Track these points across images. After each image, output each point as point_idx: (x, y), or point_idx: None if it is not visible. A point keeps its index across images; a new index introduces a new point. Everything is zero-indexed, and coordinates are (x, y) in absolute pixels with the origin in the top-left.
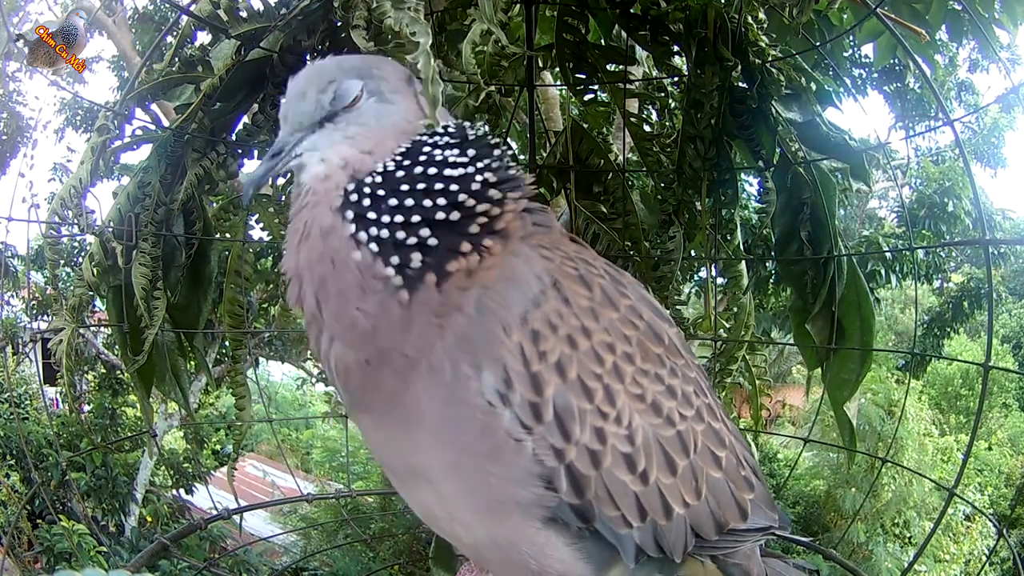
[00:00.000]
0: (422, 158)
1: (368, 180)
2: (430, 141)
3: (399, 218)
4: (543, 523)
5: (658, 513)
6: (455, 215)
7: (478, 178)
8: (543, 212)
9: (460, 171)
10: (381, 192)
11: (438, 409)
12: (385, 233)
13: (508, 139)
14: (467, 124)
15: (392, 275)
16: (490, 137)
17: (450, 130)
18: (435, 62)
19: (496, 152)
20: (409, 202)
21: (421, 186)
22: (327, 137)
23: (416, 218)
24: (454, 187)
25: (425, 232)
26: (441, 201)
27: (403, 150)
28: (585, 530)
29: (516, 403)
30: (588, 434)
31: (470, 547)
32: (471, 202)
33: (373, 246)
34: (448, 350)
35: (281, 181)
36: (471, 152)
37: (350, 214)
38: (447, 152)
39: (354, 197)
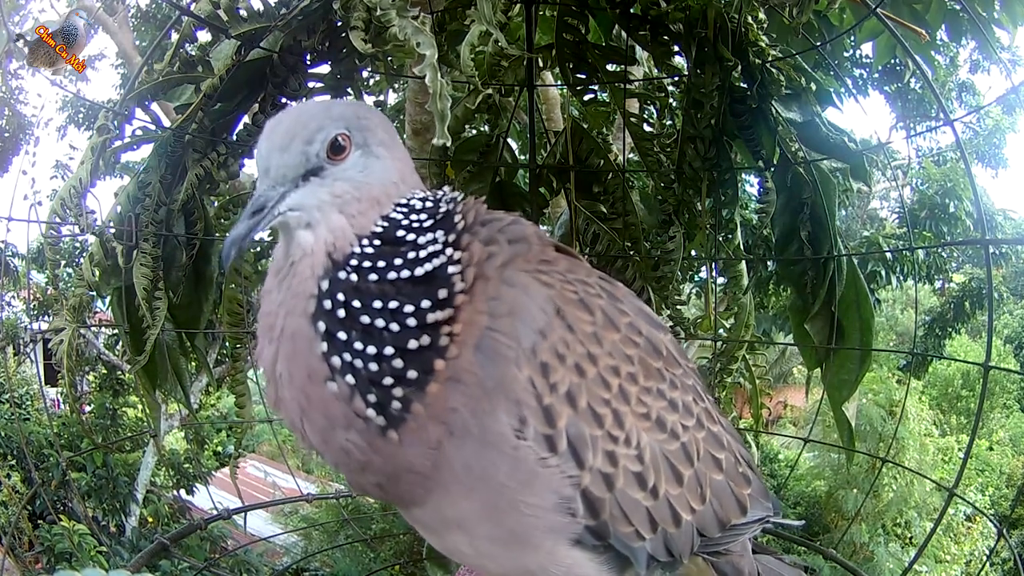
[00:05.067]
0: (397, 254)
1: (342, 277)
2: (405, 222)
3: (371, 349)
4: (571, 545)
5: (668, 523)
6: (425, 340)
7: (450, 269)
8: (516, 223)
9: (434, 263)
10: (356, 304)
11: (470, 459)
12: (359, 363)
13: (508, 139)
14: (439, 192)
15: (374, 416)
16: (456, 199)
17: (420, 204)
18: (442, 77)
19: (457, 206)
20: (380, 323)
21: (393, 305)
22: (313, 195)
23: (389, 350)
24: (426, 303)
25: (399, 364)
26: (411, 323)
27: (380, 230)
28: (601, 545)
29: (531, 437)
30: (600, 459)
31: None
32: (438, 315)
33: (349, 378)
34: (469, 403)
35: None
36: (442, 236)
37: (322, 326)
38: (423, 239)
39: (327, 304)
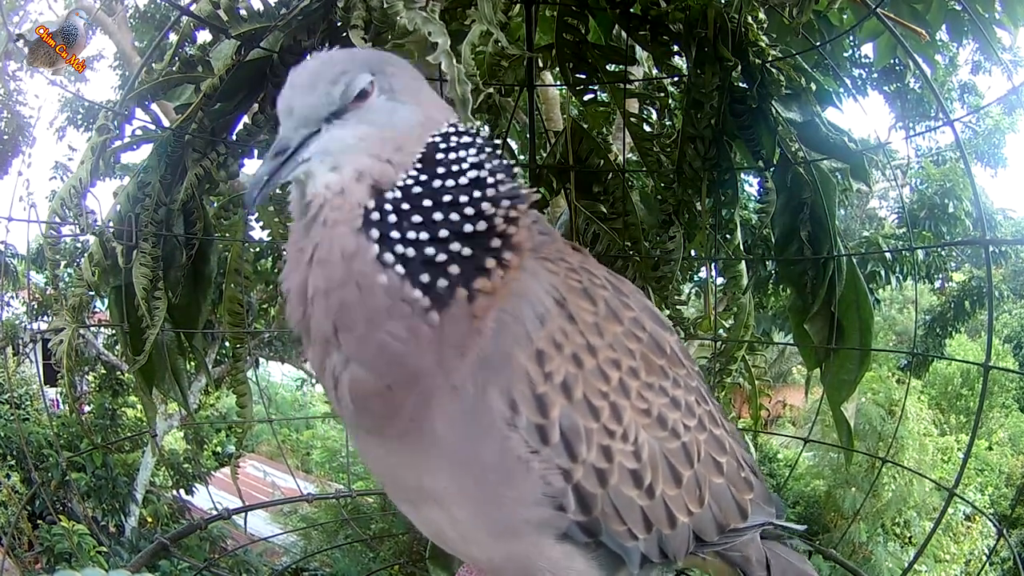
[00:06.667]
0: (440, 167)
1: (390, 195)
2: (444, 145)
3: (425, 235)
4: (557, 538)
5: (663, 524)
6: (482, 225)
7: (495, 187)
8: (542, 220)
9: (478, 173)
10: (405, 207)
11: (457, 430)
12: (412, 252)
13: (508, 139)
14: (478, 125)
15: (420, 297)
16: (496, 142)
17: (461, 129)
18: (456, 62)
19: (503, 162)
20: (437, 216)
21: (447, 198)
22: (337, 139)
23: (444, 232)
24: (477, 193)
25: (456, 246)
26: (469, 211)
27: (419, 156)
28: (592, 542)
29: (522, 426)
30: (595, 453)
31: (485, 564)
32: (492, 210)
33: (399, 267)
34: (470, 370)
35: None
36: (484, 156)
37: (375, 233)
38: (464, 153)
39: (376, 216)
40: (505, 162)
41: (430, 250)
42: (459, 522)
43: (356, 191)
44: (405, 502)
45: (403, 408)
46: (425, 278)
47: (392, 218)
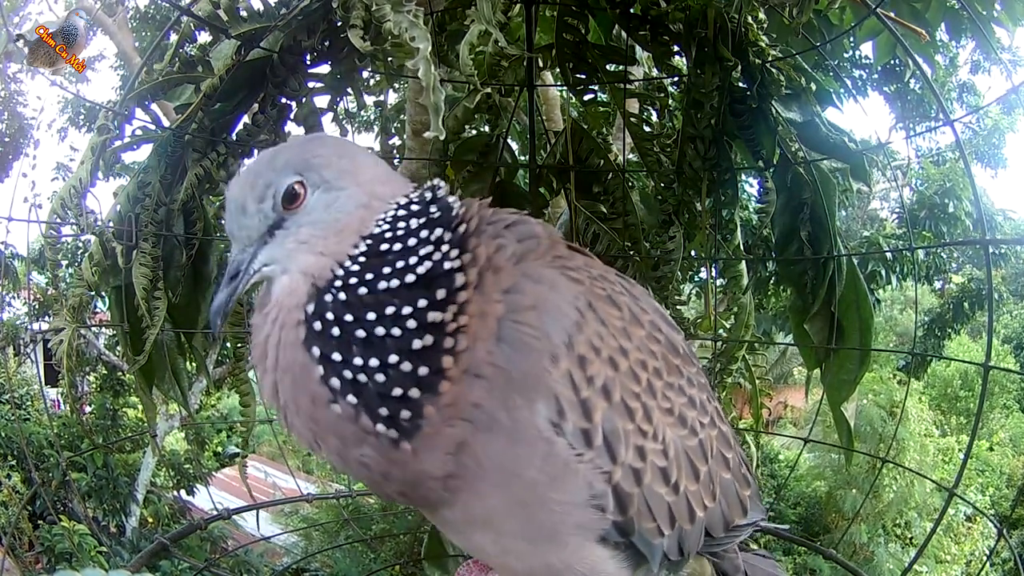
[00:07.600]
0: (385, 267)
1: (328, 299)
2: (389, 235)
3: (374, 360)
4: (595, 542)
5: (684, 519)
6: (429, 339)
7: (446, 265)
8: (522, 222)
9: (428, 265)
10: (349, 318)
11: (499, 455)
12: (363, 378)
13: (508, 139)
14: (427, 192)
15: (384, 431)
16: (447, 197)
17: (413, 207)
18: (435, 70)
19: (447, 209)
20: (379, 331)
21: (390, 309)
22: (280, 247)
23: (394, 357)
24: (423, 303)
25: (407, 366)
26: (412, 324)
27: (363, 250)
28: (623, 543)
29: (568, 431)
30: (631, 453)
31: (521, 573)
32: (440, 317)
33: (351, 398)
34: (494, 398)
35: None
36: (432, 238)
37: (316, 352)
38: (411, 242)
39: (317, 326)
40: (449, 206)
41: (380, 377)
42: (504, 535)
43: (300, 290)
44: (452, 529)
45: (429, 495)
46: (384, 411)
47: (335, 331)
